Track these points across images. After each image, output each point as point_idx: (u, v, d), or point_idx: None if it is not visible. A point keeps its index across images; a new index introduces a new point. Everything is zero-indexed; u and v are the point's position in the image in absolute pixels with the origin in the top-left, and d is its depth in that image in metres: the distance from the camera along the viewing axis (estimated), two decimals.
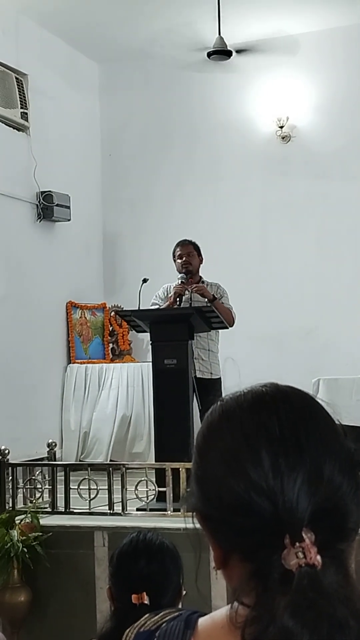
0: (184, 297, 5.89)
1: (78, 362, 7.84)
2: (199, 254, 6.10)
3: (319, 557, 0.86)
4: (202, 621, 0.97)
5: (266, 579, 0.87)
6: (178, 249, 6.06)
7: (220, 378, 6.03)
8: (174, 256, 6.07)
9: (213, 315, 5.47)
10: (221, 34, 7.35)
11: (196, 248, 6.09)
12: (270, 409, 0.95)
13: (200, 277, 6.08)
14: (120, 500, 4.96)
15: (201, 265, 6.11)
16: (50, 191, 7.46)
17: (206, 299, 5.87)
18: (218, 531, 0.95)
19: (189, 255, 6.01)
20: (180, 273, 5.97)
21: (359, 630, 0.84)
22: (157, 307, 5.94)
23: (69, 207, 7.66)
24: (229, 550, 0.94)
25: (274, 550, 0.87)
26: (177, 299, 5.83)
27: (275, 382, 1.01)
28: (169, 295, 5.93)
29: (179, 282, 5.90)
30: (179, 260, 6.01)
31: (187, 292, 5.91)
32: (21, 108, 7.29)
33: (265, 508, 0.89)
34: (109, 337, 8.33)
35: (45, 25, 7.64)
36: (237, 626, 0.87)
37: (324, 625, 0.83)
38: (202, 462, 0.97)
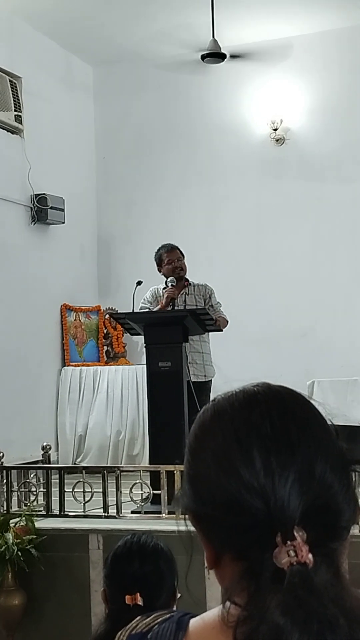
0: (177, 301, 5.89)
1: (73, 365, 7.84)
2: (184, 258, 6.12)
3: (310, 556, 0.86)
4: (194, 622, 0.97)
5: (258, 577, 0.87)
6: (165, 255, 6.04)
7: (211, 380, 6.03)
8: (160, 262, 6.05)
9: (207, 317, 5.47)
10: (215, 37, 7.36)
11: (182, 252, 6.10)
12: (261, 408, 0.95)
13: (187, 280, 6.09)
14: (115, 503, 4.96)
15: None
16: (44, 194, 7.46)
17: (202, 301, 5.91)
18: (210, 530, 0.95)
19: (178, 260, 6.02)
20: (167, 278, 5.97)
21: (350, 628, 0.84)
22: (146, 310, 5.94)
23: (63, 210, 7.67)
24: (221, 549, 0.94)
25: (266, 549, 0.87)
26: (171, 303, 5.82)
27: (267, 381, 1.01)
28: (159, 298, 5.93)
29: (169, 286, 5.88)
30: (168, 266, 6.00)
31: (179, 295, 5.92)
32: (15, 111, 7.29)
33: (257, 507, 0.89)
34: (104, 340, 8.33)
35: (39, 27, 7.65)
36: (229, 626, 0.87)
37: (314, 624, 0.83)
38: (194, 462, 0.97)
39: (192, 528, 0.98)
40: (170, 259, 6.01)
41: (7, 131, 7.29)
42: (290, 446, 0.91)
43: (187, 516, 0.99)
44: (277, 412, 0.94)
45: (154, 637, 0.98)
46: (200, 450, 0.97)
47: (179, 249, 6.09)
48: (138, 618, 1.03)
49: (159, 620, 1.00)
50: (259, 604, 0.85)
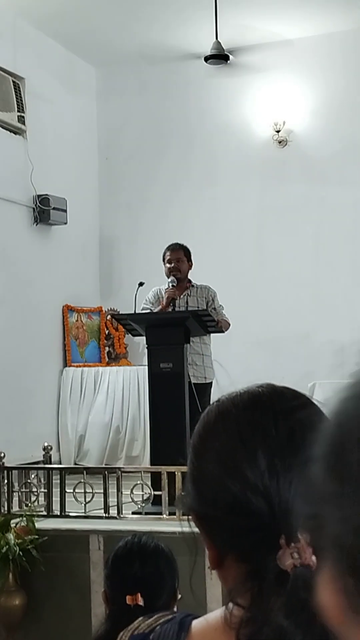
0: (177, 302, 5.88)
1: (74, 366, 7.84)
2: (189, 259, 6.05)
3: (314, 558, 0.86)
4: (196, 623, 0.97)
5: (261, 579, 0.86)
6: (168, 253, 6.01)
7: (211, 382, 6.01)
8: (163, 259, 6.05)
9: (209, 319, 5.47)
10: (218, 38, 7.36)
11: (186, 253, 6.03)
12: (266, 409, 0.95)
13: (189, 282, 6.07)
14: (116, 503, 4.95)
15: (190, 270, 6.08)
16: (47, 195, 7.46)
17: (204, 304, 5.90)
18: (214, 531, 0.95)
19: (178, 261, 5.96)
20: (168, 277, 5.96)
21: None
22: (148, 311, 5.92)
23: (65, 211, 7.66)
24: (224, 550, 0.94)
25: (270, 550, 0.86)
26: (171, 304, 5.81)
27: (271, 382, 1.01)
28: (160, 298, 5.92)
29: (170, 286, 5.87)
30: (167, 265, 5.98)
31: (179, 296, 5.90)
32: (18, 111, 7.29)
33: (261, 508, 0.89)
34: (105, 341, 8.33)
35: (42, 29, 7.65)
36: (232, 627, 0.87)
37: (317, 626, 0.83)
38: (198, 462, 0.97)
39: (195, 529, 0.98)
40: (169, 259, 5.99)
41: (10, 132, 7.29)
42: (294, 448, 0.91)
43: (190, 517, 0.98)
44: (281, 413, 0.94)
45: (156, 637, 0.98)
46: (204, 450, 0.97)
47: (184, 250, 6.02)
48: (140, 619, 1.03)
49: (161, 621, 1.00)
50: (263, 605, 0.85)
